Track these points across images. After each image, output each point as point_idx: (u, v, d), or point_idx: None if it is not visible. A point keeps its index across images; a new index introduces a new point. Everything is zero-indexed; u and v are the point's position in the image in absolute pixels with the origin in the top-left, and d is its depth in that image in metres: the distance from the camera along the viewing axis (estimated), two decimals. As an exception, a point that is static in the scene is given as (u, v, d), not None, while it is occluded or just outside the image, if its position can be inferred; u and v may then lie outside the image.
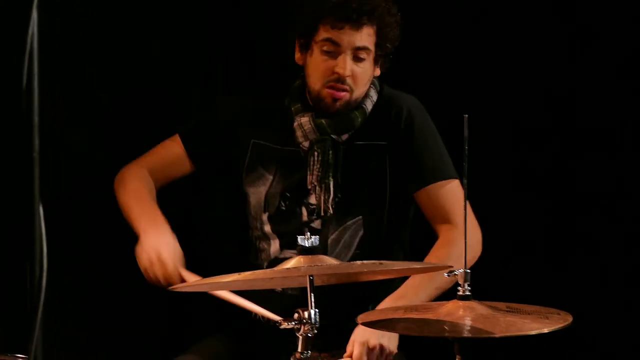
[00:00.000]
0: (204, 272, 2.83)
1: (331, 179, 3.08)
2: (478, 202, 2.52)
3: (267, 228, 3.13)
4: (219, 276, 2.29)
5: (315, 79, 3.06)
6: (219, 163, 3.22)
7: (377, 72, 3.13)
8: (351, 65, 3.01)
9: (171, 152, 3.21)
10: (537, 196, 3.65)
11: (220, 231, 3.55)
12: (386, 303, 2.94)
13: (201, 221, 3.59)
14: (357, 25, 2.99)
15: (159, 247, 2.95)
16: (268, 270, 2.32)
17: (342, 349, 2.88)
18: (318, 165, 3.08)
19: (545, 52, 3.65)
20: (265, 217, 3.14)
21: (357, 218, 3.11)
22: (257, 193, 3.14)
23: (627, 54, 3.59)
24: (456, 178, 3.10)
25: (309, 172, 3.10)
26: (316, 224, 3.08)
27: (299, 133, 3.10)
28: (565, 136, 3.64)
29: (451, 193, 3.10)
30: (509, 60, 3.67)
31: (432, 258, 3.04)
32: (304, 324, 2.24)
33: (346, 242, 3.10)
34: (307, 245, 2.27)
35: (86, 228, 3.48)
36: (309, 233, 2.29)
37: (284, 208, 3.12)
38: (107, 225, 3.40)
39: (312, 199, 3.10)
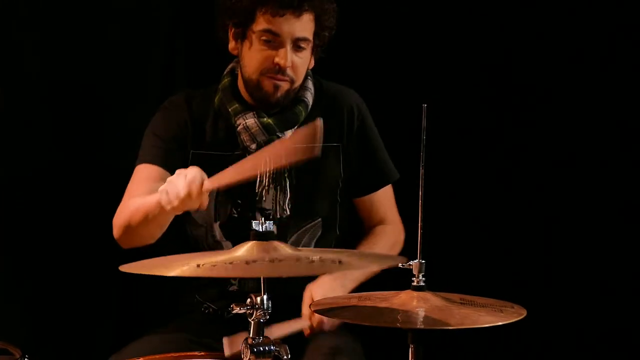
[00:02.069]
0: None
1: (287, 180, 3.04)
2: (432, 193, 2.50)
3: (219, 235, 3.08)
4: (172, 265, 2.24)
5: (253, 69, 3.00)
6: None
7: (312, 64, 3.09)
8: (292, 56, 2.96)
9: (152, 175, 3.01)
10: (492, 188, 3.65)
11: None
12: (325, 279, 2.95)
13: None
14: (297, 12, 2.93)
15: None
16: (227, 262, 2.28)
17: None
18: (271, 169, 2.98)
19: (503, 37, 3.65)
20: (216, 225, 3.08)
21: (316, 220, 3.10)
22: (208, 206, 3.06)
23: (589, 40, 3.59)
24: (395, 179, 3.17)
25: (259, 176, 3.02)
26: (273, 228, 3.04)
27: (245, 136, 3.02)
28: (523, 126, 3.64)
29: (389, 194, 3.20)
30: (465, 47, 3.66)
31: (368, 248, 3.09)
32: (256, 309, 2.20)
33: (305, 243, 3.09)
34: (261, 230, 2.22)
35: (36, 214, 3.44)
36: (263, 218, 2.25)
37: (235, 215, 3.06)
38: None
39: (267, 204, 3.04)
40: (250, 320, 2.23)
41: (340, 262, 2.27)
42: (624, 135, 3.59)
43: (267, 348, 2.21)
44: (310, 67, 3.09)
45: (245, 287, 3.04)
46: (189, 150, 3.07)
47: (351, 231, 3.20)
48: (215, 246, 3.06)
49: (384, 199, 3.20)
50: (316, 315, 2.86)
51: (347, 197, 3.17)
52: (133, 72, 3.58)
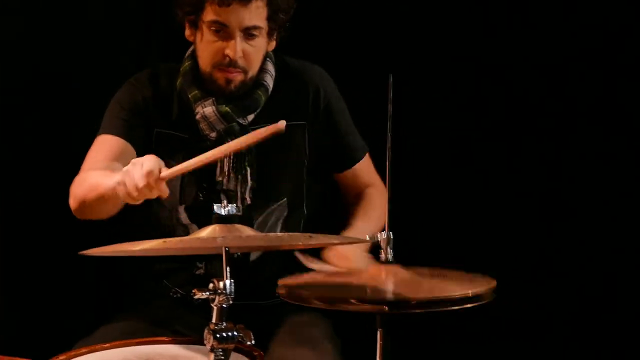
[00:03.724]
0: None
1: (247, 168, 2.97)
2: (401, 165, 2.45)
3: (184, 218, 3.02)
4: (137, 242, 2.18)
5: (206, 60, 2.93)
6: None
7: (272, 45, 3.01)
8: (242, 46, 2.88)
9: (111, 145, 2.95)
10: (462, 160, 3.61)
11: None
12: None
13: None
14: (244, 1, 2.84)
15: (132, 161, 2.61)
16: (193, 237, 2.22)
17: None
18: (231, 156, 2.95)
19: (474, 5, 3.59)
20: (181, 208, 3.01)
21: (282, 201, 3.05)
22: (171, 186, 2.96)
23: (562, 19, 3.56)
24: (367, 152, 3.13)
25: (220, 164, 2.96)
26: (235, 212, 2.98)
27: (203, 125, 2.96)
28: (493, 96, 3.60)
29: (368, 163, 3.15)
30: (435, 18, 3.60)
31: (363, 214, 3.05)
32: (219, 294, 2.14)
33: (272, 224, 3.03)
34: (223, 213, 2.16)
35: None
36: (225, 201, 2.19)
37: (201, 198, 2.99)
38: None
39: (231, 186, 2.98)
40: (212, 305, 2.16)
41: (310, 236, 2.29)
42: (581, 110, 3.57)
43: (230, 334, 2.14)
44: (271, 49, 3.02)
45: (212, 271, 2.98)
46: (153, 129, 3.00)
47: (320, 209, 3.16)
48: (180, 229, 3.01)
49: (365, 167, 3.15)
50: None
51: (314, 176, 3.11)
52: (107, 57, 3.54)
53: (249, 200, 2.98)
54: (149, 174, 2.49)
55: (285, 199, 3.04)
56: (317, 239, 2.33)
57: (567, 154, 3.58)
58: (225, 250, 2.12)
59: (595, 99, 3.54)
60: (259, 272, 2.96)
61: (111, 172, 2.73)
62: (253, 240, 2.21)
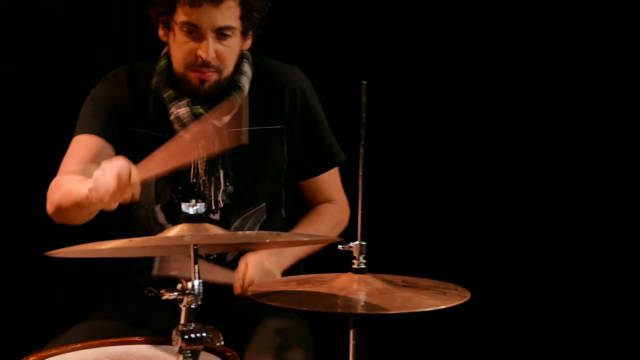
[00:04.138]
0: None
1: (220, 171, 2.96)
2: (375, 172, 2.43)
3: (161, 218, 3.01)
4: (103, 241, 2.16)
5: (179, 61, 2.91)
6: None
7: (247, 44, 2.99)
8: (215, 46, 2.86)
9: (89, 147, 2.93)
10: (436, 166, 3.59)
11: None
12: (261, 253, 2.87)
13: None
14: (215, 2, 2.81)
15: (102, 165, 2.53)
16: (159, 236, 2.20)
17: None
18: (204, 159, 2.93)
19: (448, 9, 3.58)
20: (158, 207, 3.00)
21: (260, 205, 3.03)
22: (146, 186, 2.94)
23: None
24: (342, 161, 3.10)
25: (193, 167, 2.95)
26: (215, 215, 2.97)
27: (177, 126, 2.94)
28: (467, 104, 3.59)
29: (334, 175, 3.13)
30: (410, 24, 3.58)
31: (309, 225, 3.04)
32: (187, 294, 2.12)
33: (249, 228, 3.01)
34: (191, 213, 2.15)
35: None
36: (194, 200, 2.17)
37: (177, 200, 2.96)
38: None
39: (206, 191, 2.97)
40: (181, 306, 2.14)
41: (278, 234, 2.33)
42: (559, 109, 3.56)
43: (199, 335, 2.12)
44: (246, 48, 2.99)
45: (187, 271, 2.95)
46: (129, 128, 2.98)
47: (298, 212, 3.13)
48: (157, 228, 2.99)
49: (330, 179, 3.13)
50: (248, 276, 2.79)
51: (292, 180, 3.10)
52: (83, 51, 3.50)
53: (221, 204, 2.96)
54: (120, 175, 2.45)
55: (263, 203, 3.02)
56: (284, 237, 2.32)
57: (537, 159, 3.57)
58: (194, 248, 2.10)
59: (576, 101, 3.54)
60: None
61: (86, 177, 2.69)
62: (220, 239, 2.18)
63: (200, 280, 2.12)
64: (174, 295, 2.14)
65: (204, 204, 2.19)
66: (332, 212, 3.10)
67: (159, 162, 2.47)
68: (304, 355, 2.79)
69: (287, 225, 3.09)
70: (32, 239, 3.35)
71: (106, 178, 2.45)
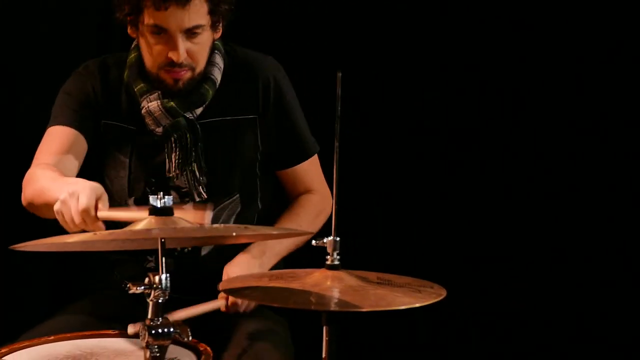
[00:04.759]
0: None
1: (194, 164, 2.92)
2: (349, 166, 2.39)
3: None
4: (68, 235, 2.13)
5: (150, 62, 2.88)
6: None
7: (218, 34, 2.95)
8: (186, 46, 2.81)
9: (63, 138, 2.90)
10: (413, 160, 3.55)
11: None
12: (243, 257, 2.88)
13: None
14: (181, 3, 2.75)
15: (72, 186, 2.53)
16: (125, 230, 2.16)
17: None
18: (177, 152, 2.90)
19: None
20: (131, 201, 2.97)
21: (234, 197, 2.99)
22: (119, 178, 2.95)
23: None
24: (316, 152, 3.05)
25: (167, 160, 2.92)
26: (188, 206, 2.93)
27: (149, 120, 2.91)
28: (442, 95, 3.57)
29: (314, 165, 3.08)
30: (387, 11, 3.56)
31: (291, 218, 3.02)
32: (154, 289, 2.09)
33: (224, 220, 2.98)
34: (158, 205, 2.11)
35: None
36: (162, 193, 2.13)
37: (150, 192, 2.92)
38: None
39: (180, 182, 2.94)
40: (148, 300, 2.11)
41: (246, 227, 2.26)
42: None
43: (166, 330, 2.09)
44: (217, 37, 2.95)
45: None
46: (101, 120, 2.95)
47: (275, 202, 3.11)
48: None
49: (308, 169, 3.09)
50: (231, 297, 2.78)
51: (267, 170, 3.06)
52: (66, 36, 3.48)
53: (205, 195, 2.93)
54: (85, 212, 2.45)
55: (237, 194, 2.99)
56: (252, 230, 2.29)
57: (512, 153, 3.56)
58: (161, 242, 2.06)
59: (563, 99, 3.53)
60: (209, 267, 2.91)
61: (59, 175, 2.70)
62: (188, 232, 2.14)
63: (167, 275, 2.09)
64: (140, 289, 2.10)
65: (171, 197, 2.15)
66: (313, 204, 3.06)
67: (128, 215, 2.43)
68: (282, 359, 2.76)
69: (265, 216, 3.06)
70: (7, 231, 3.31)
71: (72, 207, 2.46)
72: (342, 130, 2.23)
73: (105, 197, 2.51)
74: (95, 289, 3.06)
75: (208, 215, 2.38)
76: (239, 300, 2.81)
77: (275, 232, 2.54)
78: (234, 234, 2.30)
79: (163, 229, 2.08)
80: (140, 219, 2.18)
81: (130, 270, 2.97)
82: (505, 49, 3.51)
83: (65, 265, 3.43)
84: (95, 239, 2.07)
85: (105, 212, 2.48)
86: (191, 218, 2.24)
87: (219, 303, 2.81)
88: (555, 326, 3.56)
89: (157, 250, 2.10)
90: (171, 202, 2.13)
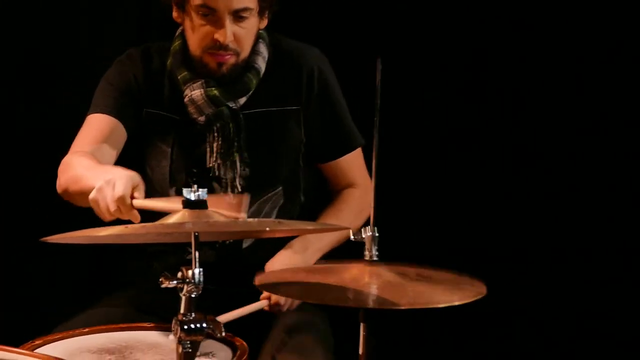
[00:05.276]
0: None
1: (236, 154, 2.88)
2: (389, 157, 2.34)
3: None
4: (100, 228, 2.08)
5: (195, 45, 2.84)
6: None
7: (264, 23, 2.91)
8: (233, 29, 2.78)
9: (101, 125, 2.87)
10: (454, 151, 3.50)
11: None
12: (284, 254, 2.84)
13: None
14: None
15: (108, 174, 2.49)
16: (156, 223, 2.11)
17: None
18: (219, 142, 2.86)
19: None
20: (172, 191, 2.93)
21: (277, 189, 2.95)
22: (161, 167, 2.92)
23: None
24: (361, 144, 2.99)
25: (209, 150, 2.88)
26: (226, 196, 2.89)
27: (191, 108, 2.88)
28: (492, 90, 3.51)
29: (357, 158, 3.02)
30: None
31: (333, 214, 2.97)
32: (187, 283, 2.04)
33: (266, 212, 2.94)
34: (192, 198, 2.06)
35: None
36: (196, 185, 2.08)
37: (192, 184, 2.86)
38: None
39: (221, 173, 2.90)
40: (181, 295, 2.06)
41: (280, 222, 2.22)
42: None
43: (198, 325, 2.04)
44: (262, 27, 2.92)
45: (203, 256, 2.87)
46: (143, 108, 2.92)
47: (319, 196, 3.06)
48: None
49: (352, 163, 3.03)
50: (274, 295, 2.76)
51: (310, 162, 3.02)
52: (108, 28, 3.47)
53: (239, 188, 2.89)
54: (120, 200, 2.41)
55: (280, 187, 2.95)
56: (286, 225, 2.25)
57: (560, 151, 3.51)
58: (195, 235, 2.01)
59: (594, 98, 3.47)
60: (251, 259, 2.87)
61: (96, 163, 2.66)
62: (221, 226, 2.10)
63: (201, 269, 2.04)
64: (173, 283, 2.06)
65: (206, 189, 2.10)
66: (355, 199, 3.01)
67: (164, 204, 2.38)
68: (324, 354, 2.71)
69: (308, 210, 3.02)
70: (46, 221, 3.29)
71: (107, 197, 2.42)
72: (381, 121, 2.17)
73: (142, 186, 2.47)
74: (134, 281, 3.03)
75: (244, 204, 2.33)
76: (282, 300, 2.78)
77: (310, 227, 2.49)
78: (267, 228, 2.25)
79: (196, 222, 2.03)
80: (176, 210, 2.14)
81: (169, 261, 2.93)
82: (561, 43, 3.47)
83: (103, 257, 3.41)
84: (127, 232, 2.02)
85: (140, 201, 2.44)
86: (226, 208, 2.20)
87: (262, 303, 2.78)
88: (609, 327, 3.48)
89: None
90: (205, 196, 2.08)
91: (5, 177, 3.44)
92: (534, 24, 3.45)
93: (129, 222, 2.40)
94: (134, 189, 2.44)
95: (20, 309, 3.41)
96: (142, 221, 2.39)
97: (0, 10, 3.38)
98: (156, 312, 2.79)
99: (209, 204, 2.11)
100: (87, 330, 2.57)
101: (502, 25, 3.46)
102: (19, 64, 3.44)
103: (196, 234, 2.02)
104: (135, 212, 2.44)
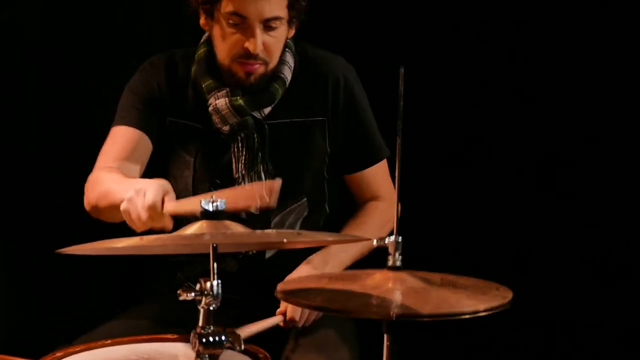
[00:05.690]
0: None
1: (260, 165, 2.84)
2: (412, 164, 2.30)
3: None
4: (116, 239, 2.05)
5: (224, 53, 2.80)
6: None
7: (292, 33, 2.88)
8: (263, 38, 2.75)
9: (126, 138, 2.86)
10: (477, 159, 3.46)
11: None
12: (303, 269, 2.83)
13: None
14: None
15: (138, 184, 2.47)
16: (175, 234, 2.08)
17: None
18: (244, 152, 2.83)
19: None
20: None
21: (302, 200, 2.92)
22: (183, 178, 2.88)
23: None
24: (387, 156, 2.96)
25: (234, 160, 2.85)
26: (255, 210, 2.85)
27: (216, 118, 2.84)
28: (515, 97, 3.48)
29: (382, 170, 2.99)
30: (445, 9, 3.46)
31: (356, 226, 2.93)
32: (205, 295, 2.01)
33: (290, 224, 2.91)
34: (210, 209, 2.03)
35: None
36: (214, 196, 2.05)
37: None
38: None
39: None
40: (199, 307, 2.03)
41: (299, 233, 2.21)
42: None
43: (217, 338, 2.01)
44: (290, 36, 2.88)
45: (226, 267, 2.86)
46: (166, 117, 2.89)
47: (344, 207, 3.03)
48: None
49: (376, 174, 3.00)
50: (289, 309, 2.74)
51: (335, 174, 2.98)
52: (141, 33, 3.47)
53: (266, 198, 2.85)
54: (151, 207, 2.37)
55: (305, 198, 2.91)
56: (305, 236, 2.21)
57: (588, 157, 3.47)
58: (213, 247, 1.98)
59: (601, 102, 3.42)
60: (274, 269, 2.83)
61: (124, 177, 2.65)
62: (239, 238, 2.06)
63: (219, 281, 2.01)
64: (191, 295, 2.03)
65: (224, 200, 2.06)
66: (380, 211, 2.97)
67: (195, 204, 2.35)
68: (348, 354, 2.68)
69: (332, 222, 2.99)
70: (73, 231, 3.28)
71: (139, 204, 2.38)
72: (404, 128, 2.13)
73: (172, 193, 2.44)
74: (158, 291, 3.01)
75: (275, 192, 2.28)
76: (297, 315, 2.75)
77: (330, 238, 2.45)
78: (285, 240, 2.21)
79: (214, 234, 2.00)
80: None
81: (193, 271, 2.91)
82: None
83: (128, 267, 3.40)
84: (143, 244, 1.99)
85: (172, 206, 2.41)
86: (244, 197, 2.17)
87: (277, 319, 2.76)
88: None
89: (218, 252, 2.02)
90: (224, 206, 2.04)
91: (29, 186, 3.40)
92: (557, 33, 3.44)
93: (162, 232, 2.37)
94: (164, 195, 2.40)
95: (42, 319, 3.41)
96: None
97: (29, 9, 3.36)
98: (180, 323, 2.75)
99: (235, 197, 2.09)
100: (109, 342, 2.53)
101: (525, 32, 3.45)
102: (45, 66, 3.42)
103: (214, 245, 1.98)
104: (168, 219, 2.42)
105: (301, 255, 2.83)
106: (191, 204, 2.35)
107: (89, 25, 3.43)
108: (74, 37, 3.43)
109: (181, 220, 2.78)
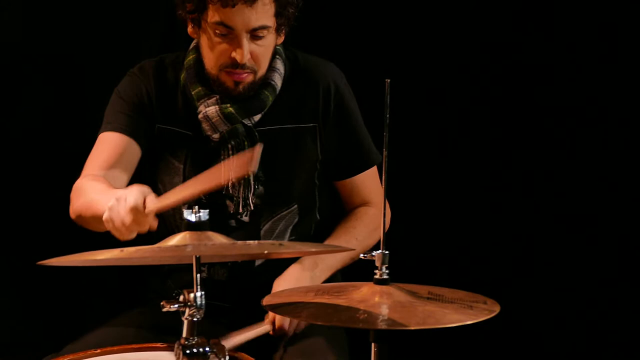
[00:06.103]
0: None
1: (250, 172, 2.81)
2: (399, 175, 2.29)
3: None
4: (97, 251, 2.04)
5: (212, 62, 2.79)
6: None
7: (281, 40, 2.86)
8: (250, 47, 2.73)
9: (114, 146, 2.83)
10: (463, 169, 3.46)
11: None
12: (293, 270, 2.80)
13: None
14: (250, 1, 2.66)
15: (118, 192, 2.41)
16: (155, 246, 2.07)
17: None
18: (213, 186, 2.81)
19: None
20: (184, 208, 2.87)
21: (292, 207, 2.90)
22: (173, 184, 2.85)
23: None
24: (378, 162, 2.93)
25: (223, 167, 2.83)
26: (245, 217, 2.86)
27: (205, 125, 2.82)
28: (499, 106, 3.49)
29: (373, 176, 2.97)
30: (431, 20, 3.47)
31: (346, 232, 2.91)
32: (189, 306, 2.00)
33: (281, 231, 2.90)
34: (192, 220, 2.02)
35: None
36: (197, 207, 2.04)
37: (204, 201, 2.80)
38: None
39: (235, 191, 2.85)
40: (182, 319, 2.02)
41: (281, 244, 2.17)
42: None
43: (201, 350, 2.00)
44: (279, 43, 2.86)
45: (215, 275, 2.85)
46: (155, 124, 2.87)
47: (335, 214, 3.01)
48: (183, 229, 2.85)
49: (367, 180, 2.98)
50: (278, 318, 2.72)
51: (326, 180, 2.97)
52: (132, 39, 3.46)
53: (251, 207, 2.84)
54: (134, 209, 2.34)
55: (295, 205, 2.90)
56: (288, 248, 2.19)
57: (573, 163, 3.47)
58: (196, 258, 1.97)
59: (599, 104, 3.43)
60: (263, 277, 2.83)
61: (108, 186, 2.62)
62: (222, 249, 2.06)
63: (203, 293, 2.00)
64: (174, 307, 2.02)
65: (207, 210, 2.06)
66: (370, 216, 2.95)
67: (174, 195, 2.34)
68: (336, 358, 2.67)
69: (322, 228, 2.97)
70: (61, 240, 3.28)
71: (120, 211, 2.35)
72: (390, 139, 2.12)
73: (153, 194, 2.39)
74: (148, 298, 2.99)
75: (255, 159, 2.28)
76: (286, 324, 2.74)
77: (314, 249, 2.44)
78: (266, 252, 2.20)
79: (196, 245, 1.99)
80: (196, 193, 2.18)
81: (182, 279, 2.89)
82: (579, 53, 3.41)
83: (119, 274, 3.39)
84: (123, 255, 1.98)
85: (154, 203, 2.37)
86: (238, 165, 2.14)
87: (265, 328, 2.74)
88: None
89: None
90: (207, 217, 2.04)
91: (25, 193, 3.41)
92: (541, 45, 3.43)
93: (157, 234, 2.36)
94: (145, 197, 2.37)
95: (30, 327, 3.40)
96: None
97: (23, 15, 3.38)
98: (171, 330, 2.73)
99: (218, 173, 2.13)
100: (99, 350, 2.52)
101: (506, 44, 3.45)
102: (47, 70, 3.42)
103: (197, 256, 1.98)
104: (152, 218, 2.38)
105: (290, 263, 2.81)
106: (172, 197, 2.35)
107: (84, 29, 3.45)
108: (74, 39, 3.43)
109: (165, 229, 2.82)
